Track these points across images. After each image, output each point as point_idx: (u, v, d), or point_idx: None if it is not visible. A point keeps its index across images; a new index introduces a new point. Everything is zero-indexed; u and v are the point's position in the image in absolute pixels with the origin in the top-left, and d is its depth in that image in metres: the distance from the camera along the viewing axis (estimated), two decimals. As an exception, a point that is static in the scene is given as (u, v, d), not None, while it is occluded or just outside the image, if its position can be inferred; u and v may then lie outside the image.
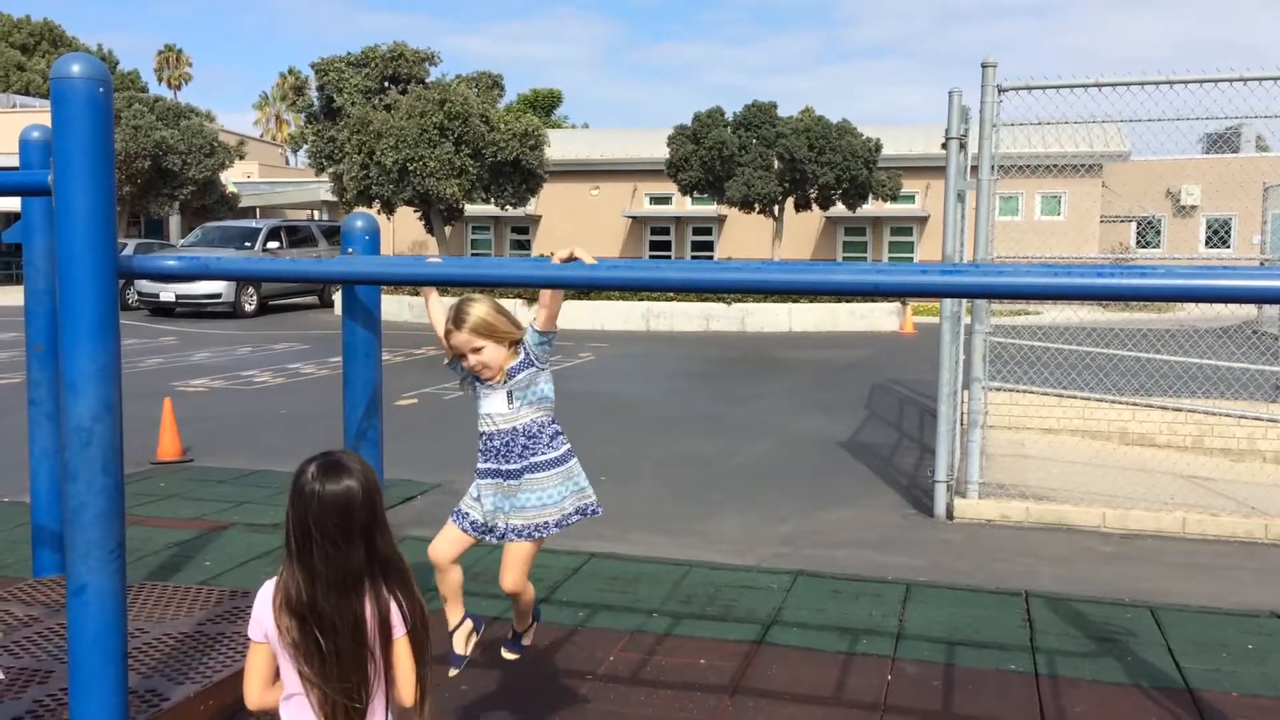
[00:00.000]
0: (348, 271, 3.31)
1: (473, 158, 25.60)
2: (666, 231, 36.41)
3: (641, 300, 21.25)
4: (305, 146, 28.85)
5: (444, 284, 3.19)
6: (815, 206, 28.48)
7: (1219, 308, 13.90)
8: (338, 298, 22.60)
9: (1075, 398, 8.62)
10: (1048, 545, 6.31)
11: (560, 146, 33.10)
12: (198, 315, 23.02)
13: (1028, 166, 9.38)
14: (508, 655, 3.63)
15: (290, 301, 26.64)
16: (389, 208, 26.45)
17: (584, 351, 16.83)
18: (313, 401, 11.42)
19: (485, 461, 3.30)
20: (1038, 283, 2.71)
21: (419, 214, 27.85)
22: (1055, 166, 9.28)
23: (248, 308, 23.52)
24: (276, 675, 2.24)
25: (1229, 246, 29.73)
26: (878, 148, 27.44)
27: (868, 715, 3.91)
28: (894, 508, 7.17)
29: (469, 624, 3.46)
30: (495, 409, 3.26)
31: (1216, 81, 6.54)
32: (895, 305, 21.50)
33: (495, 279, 3.42)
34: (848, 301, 21.15)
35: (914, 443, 9.43)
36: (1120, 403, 8.48)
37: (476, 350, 3.22)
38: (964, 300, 7.21)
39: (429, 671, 2.25)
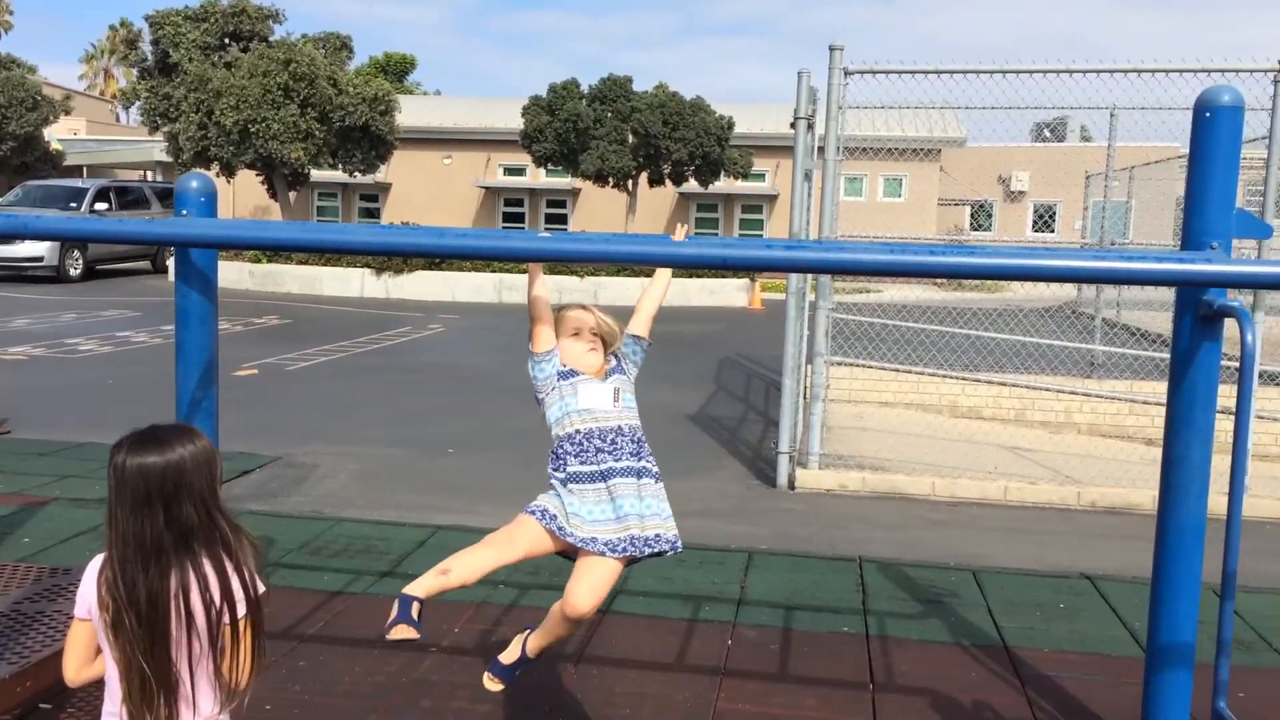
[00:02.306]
0: (181, 234, 3.17)
1: (319, 121, 24.76)
2: (520, 203, 36.08)
3: (494, 272, 21.04)
4: (138, 103, 27.35)
5: (285, 249, 3.09)
6: (669, 182, 28.72)
7: (1043, 289, 14.74)
8: (172, 263, 21.58)
9: (910, 372, 9.03)
10: (882, 513, 6.59)
11: (412, 113, 32.31)
12: (17, 279, 21.58)
13: (871, 149, 9.71)
14: (498, 685, 3.11)
15: (120, 266, 25.25)
16: (229, 170, 25.34)
17: (434, 323, 16.58)
18: (144, 371, 10.88)
19: (587, 463, 2.91)
20: (876, 259, 2.83)
21: (261, 178, 26.79)
22: (897, 150, 9.64)
23: (73, 272, 22.16)
24: (98, 651, 2.14)
25: (1054, 231, 31.47)
26: (730, 125, 27.83)
27: (709, 679, 4.02)
28: (739, 478, 7.35)
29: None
30: (599, 404, 2.98)
31: (1045, 72, 6.90)
32: (744, 281, 21.94)
33: (339, 244, 3.34)
34: (698, 277, 21.44)
35: (759, 416, 9.68)
36: (951, 377, 8.92)
37: (593, 338, 3.13)
38: (809, 277, 7.43)
39: (262, 651, 2.16)
